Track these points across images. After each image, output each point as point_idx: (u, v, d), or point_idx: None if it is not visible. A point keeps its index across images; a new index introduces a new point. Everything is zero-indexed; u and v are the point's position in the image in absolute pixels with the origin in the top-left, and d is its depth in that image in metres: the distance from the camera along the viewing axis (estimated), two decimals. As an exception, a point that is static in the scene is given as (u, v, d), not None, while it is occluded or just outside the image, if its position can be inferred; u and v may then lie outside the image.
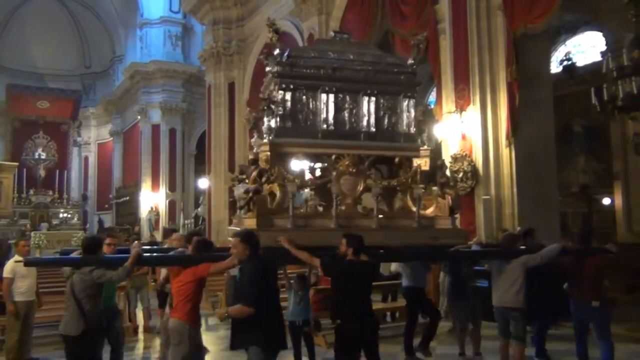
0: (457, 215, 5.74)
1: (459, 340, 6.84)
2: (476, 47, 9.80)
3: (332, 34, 6.40)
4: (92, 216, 31.51)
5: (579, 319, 5.80)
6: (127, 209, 27.59)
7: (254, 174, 5.01)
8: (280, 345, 4.15)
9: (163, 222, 24.28)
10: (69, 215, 28.07)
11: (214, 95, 18.89)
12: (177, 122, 25.43)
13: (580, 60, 15.20)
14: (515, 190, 9.36)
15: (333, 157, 5.20)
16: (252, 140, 5.72)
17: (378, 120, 5.44)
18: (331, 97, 5.40)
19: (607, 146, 13.99)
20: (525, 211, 9.27)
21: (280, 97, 5.28)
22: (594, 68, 12.55)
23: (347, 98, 5.45)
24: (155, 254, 6.38)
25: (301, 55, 5.54)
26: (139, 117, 25.98)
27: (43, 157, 30.10)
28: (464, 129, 9.88)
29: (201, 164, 22.93)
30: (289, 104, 5.30)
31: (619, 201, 13.21)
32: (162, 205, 24.82)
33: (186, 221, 23.16)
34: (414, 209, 5.14)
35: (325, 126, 5.34)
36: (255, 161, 5.19)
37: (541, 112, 9.89)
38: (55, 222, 26.98)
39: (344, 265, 4.42)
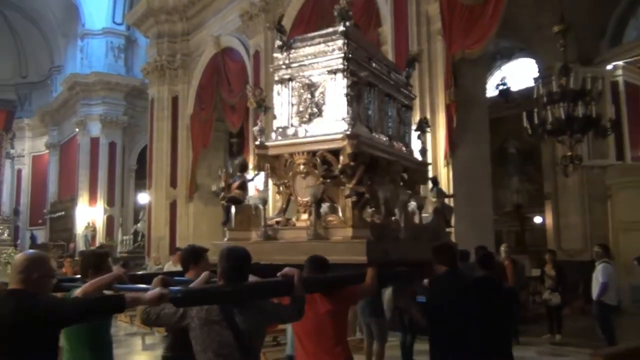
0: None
1: (367, 356, 6.76)
2: (417, 70, 10.10)
3: None
4: (24, 232, 30.14)
5: None
6: (62, 225, 26.58)
7: (360, 173, 4.10)
8: None
9: (100, 238, 23.52)
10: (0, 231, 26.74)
11: (156, 109, 18.59)
12: (117, 136, 24.81)
13: (515, 85, 15.94)
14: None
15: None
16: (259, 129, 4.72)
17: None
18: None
19: (538, 168, 14.69)
20: (461, 229, 9.55)
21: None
22: (527, 93, 13.19)
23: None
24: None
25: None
26: (77, 129, 25.18)
27: (-28, 169, 28.63)
28: (405, 149, 10.14)
29: (142, 179, 22.42)
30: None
31: (549, 220, 13.85)
32: (100, 221, 24.06)
33: (125, 237, 22.54)
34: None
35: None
36: (355, 156, 4.09)
37: (478, 133, 10.30)
38: (-17, 237, 25.64)
39: None
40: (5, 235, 26.84)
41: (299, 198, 4.45)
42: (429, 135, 9.95)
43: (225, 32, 16.26)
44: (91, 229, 23.83)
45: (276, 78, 4.70)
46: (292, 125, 4.57)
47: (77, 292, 3.11)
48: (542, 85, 9.01)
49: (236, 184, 4.82)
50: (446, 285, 4.05)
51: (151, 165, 18.66)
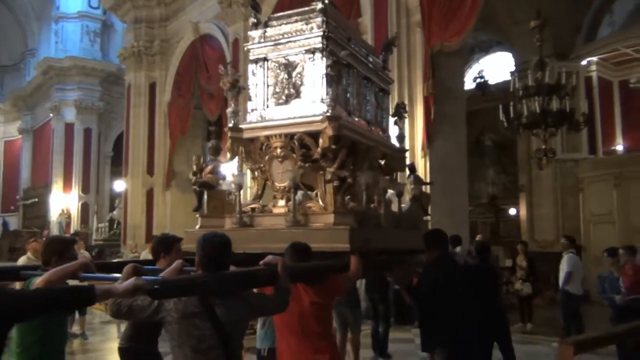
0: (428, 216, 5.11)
1: (341, 346, 6.54)
2: (396, 61, 10.16)
3: None
4: (-4, 218, 29.60)
5: None
6: (36, 211, 26.13)
7: (341, 156, 3.94)
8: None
9: (75, 225, 23.22)
10: (-30, 217, 26.24)
11: (133, 95, 18.36)
12: (92, 122, 24.43)
13: (492, 79, 16.13)
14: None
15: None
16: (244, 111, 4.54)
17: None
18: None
19: (514, 160, 14.93)
20: (437, 220, 9.69)
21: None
22: (504, 86, 13.38)
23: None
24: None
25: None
26: (51, 114, 24.73)
27: (-59, 153, 27.98)
28: (383, 140, 10.21)
29: (118, 166, 22.15)
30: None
31: (523, 212, 14.12)
32: (74, 208, 23.74)
33: (100, 225, 22.29)
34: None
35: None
36: (337, 139, 3.92)
37: (455, 126, 10.40)
38: (-48, 223, 25.15)
39: None
40: (-24, 221, 26.38)
41: (276, 183, 4.25)
42: (406, 126, 10.11)
43: (204, 19, 16.10)
44: (66, 216, 23.52)
45: (251, 57, 4.49)
46: (267, 107, 4.37)
47: (38, 281, 2.82)
48: (518, 79, 9.15)
49: (209, 168, 4.53)
50: (440, 270, 4.23)
51: (127, 153, 18.46)
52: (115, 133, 24.47)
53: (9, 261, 16.88)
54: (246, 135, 4.36)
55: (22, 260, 7.65)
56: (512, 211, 15.86)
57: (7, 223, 28.33)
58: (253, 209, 4.31)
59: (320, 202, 4.06)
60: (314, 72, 4.19)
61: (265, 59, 4.40)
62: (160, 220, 17.23)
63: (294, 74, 4.32)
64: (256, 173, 4.51)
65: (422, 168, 9.90)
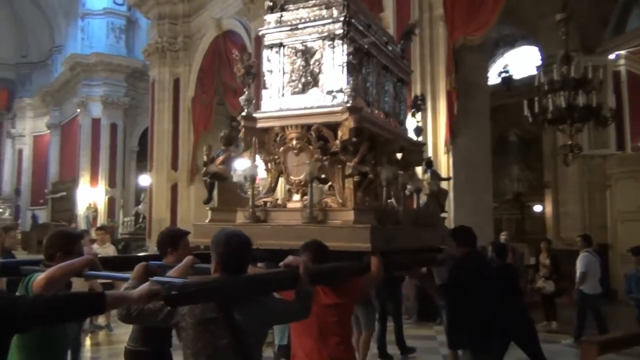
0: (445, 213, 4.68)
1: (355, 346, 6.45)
2: (418, 56, 10.09)
3: None
4: (25, 211, 30.23)
5: None
6: (64, 205, 26.65)
7: (363, 150, 3.66)
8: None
9: (101, 219, 23.61)
10: (1, 210, 26.86)
11: (157, 90, 18.55)
12: (118, 117, 24.79)
13: (517, 73, 15.88)
14: (452, 195, 9.67)
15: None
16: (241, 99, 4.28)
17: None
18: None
19: (539, 156, 14.69)
20: (461, 217, 9.60)
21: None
22: (529, 81, 13.15)
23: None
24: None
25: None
26: (78, 110, 25.15)
27: (-27, 148, 28.69)
28: (405, 135, 10.14)
29: (143, 161, 22.45)
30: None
31: (549, 209, 13.89)
32: (101, 202, 24.13)
33: (126, 219, 22.62)
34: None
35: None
36: (358, 131, 3.65)
37: (478, 121, 10.28)
38: (-16, 216, 25.79)
39: None
40: (7, 214, 27.00)
41: (291, 177, 4.00)
42: (429, 121, 10.03)
43: (226, 15, 16.17)
44: (92, 210, 23.91)
45: (266, 43, 4.23)
46: (283, 96, 4.11)
47: (40, 277, 2.62)
48: (543, 73, 8.98)
49: (220, 158, 4.26)
50: (472, 267, 4.18)
51: (152, 148, 18.68)
52: (141, 128, 24.79)
53: (37, 253, 17.24)
54: (260, 124, 4.12)
55: None
56: (538, 208, 15.62)
57: (37, 216, 28.96)
58: (266, 203, 4.07)
59: (338, 198, 3.84)
60: (333, 60, 3.96)
61: (281, 45, 4.17)
62: (184, 214, 17.41)
63: (311, 61, 4.08)
64: (269, 165, 4.26)
65: (445, 164, 9.82)
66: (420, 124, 5.27)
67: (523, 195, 16.37)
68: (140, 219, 21.60)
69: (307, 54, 4.09)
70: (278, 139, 4.06)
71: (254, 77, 4.30)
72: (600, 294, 8.31)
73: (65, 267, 2.67)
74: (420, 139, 5.08)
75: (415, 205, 4.56)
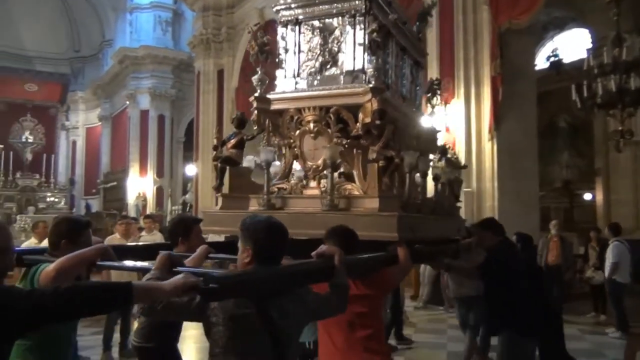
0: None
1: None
2: (462, 41, 9.89)
3: None
4: (79, 201, 31.37)
5: None
6: (115, 194, 27.49)
7: (388, 133, 3.37)
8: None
9: (150, 208, 24.25)
10: (56, 200, 27.90)
11: (202, 82, 18.85)
12: (165, 109, 25.34)
13: (568, 57, 15.34)
14: (496, 183, 9.50)
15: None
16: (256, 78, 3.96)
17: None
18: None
19: (590, 142, 14.20)
20: (505, 204, 9.41)
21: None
22: (580, 65, 12.68)
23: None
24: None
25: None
26: (127, 102, 25.84)
27: (30, 140, 29.82)
28: (448, 122, 9.98)
29: (189, 151, 22.89)
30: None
31: (600, 197, 13.43)
32: (150, 192, 24.78)
33: (173, 207, 23.17)
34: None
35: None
36: (382, 113, 3.39)
37: (524, 107, 10.01)
38: (41, 205, 26.82)
39: None
40: (62, 203, 28.05)
41: (308, 162, 3.75)
42: (472, 108, 9.82)
43: (269, 5, 16.21)
44: (142, 199, 24.59)
45: (281, 19, 3.98)
46: (298, 76, 3.84)
47: (49, 268, 2.38)
48: (593, 56, 8.64)
49: (232, 142, 3.94)
50: (509, 254, 4.17)
51: (198, 138, 19.02)
52: (187, 119, 25.25)
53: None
54: (274, 106, 3.87)
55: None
56: (588, 196, 15.13)
57: (90, 205, 30.00)
58: (279, 190, 3.81)
59: (358, 185, 3.60)
60: (354, 38, 3.69)
61: (297, 22, 3.91)
62: (229, 203, 17.66)
63: (330, 39, 3.80)
64: (284, 150, 4.00)
65: (489, 151, 9.62)
66: (434, 109, 4.94)
67: (572, 182, 15.87)
68: (188, 208, 22.07)
69: (325, 31, 3.83)
70: (294, 121, 3.82)
71: (268, 55, 4.00)
72: (629, 284, 8.15)
73: (76, 257, 2.42)
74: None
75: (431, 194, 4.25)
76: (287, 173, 4.00)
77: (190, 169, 21.38)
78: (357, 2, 3.70)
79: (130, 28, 26.08)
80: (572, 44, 16.44)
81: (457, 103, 9.91)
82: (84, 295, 1.74)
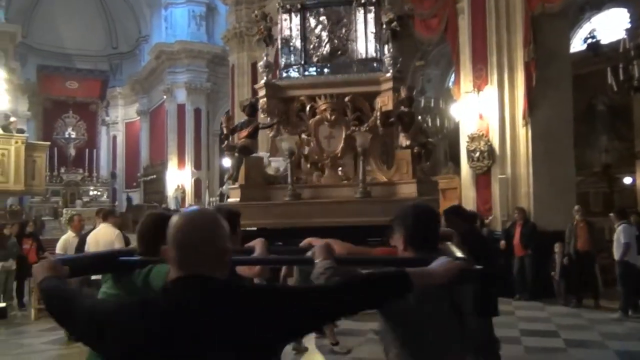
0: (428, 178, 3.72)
1: None
2: (494, 27, 9.83)
3: None
4: (121, 194, 32.26)
5: None
6: (155, 187, 28.19)
7: (417, 121, 3.37)
8: None
9: (189, 199, 24.80)
10: (99, 193, 28.82)
11: (237, 75, 19.11)
12: (201, 102, 25.81)
13: (606, 38, 14.96)
14: (531, 169, 9.45)
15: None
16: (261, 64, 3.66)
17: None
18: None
19: (630, 125, 13.87)
20: (540, 190, 9.37)
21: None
22: (617, 46, 12.42)
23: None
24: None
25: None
26: (164, 96, 26.41)
27: (73, 136, 30.82)
28: (481, 109, 9.96)
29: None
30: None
31: (640, 181, 13.14)
32: (188, 184, 25.33)
33: (211, 199, 23.62)
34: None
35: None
36: (411, 100, 3.41)
37: (559, 91, 9.90)
38: (85, 199, 27.75)
39: None
40: (105, 197, 28.95)
41: (325, 150, 3.62)
42: (506, 94, 9.76)
43: (301, -4, 16.34)
44: (180, 191, 25.16)
45: (287, 6, 3.77)
46: (306, 63, 3.55)
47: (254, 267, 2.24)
48: (629, 38, 8.49)
49: (246, 131, 3.51)
50: (480, 236, 4.37)
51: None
52: (223, 112, 25.62)
53: (133, 232, 18.42)
54: (284, 93, 3.62)
55: None
56: (628, 180, 14.78)
57: (131, 198, 30.84)
58: (298, 179, 3.63)
59: (380, 171, 3.65)
60: (365, 27, 3.66)
61: (304, 8, 3.69)
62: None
63: (338, 26, 3.58)
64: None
65: (524, 137, 9.56)
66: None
67: (612, 166, 15.52)
68: (225, 199, 22.45)
69: (331, 18, 3.60)
70: (307, 109, 3.57)
71: (274, 41, 3.87)
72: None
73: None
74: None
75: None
76: (297, 163, 3.80)
77: (227, 161, 21.75)
78: None
79: (165, 24, 26.60)
80: (610, 24, 16.01)
81: (490, 89, 9.87)
82: (371, 287, 1.65)
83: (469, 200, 10.07)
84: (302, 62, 3.89)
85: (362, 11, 3.72)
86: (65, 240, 7.02)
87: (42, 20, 30.98)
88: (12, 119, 15.60)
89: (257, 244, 2.39)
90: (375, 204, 3.36)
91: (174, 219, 1.53)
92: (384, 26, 3.60)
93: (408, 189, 3.46)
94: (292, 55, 3.92)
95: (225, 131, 3.80)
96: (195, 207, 1.72)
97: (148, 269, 2.27)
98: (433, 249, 2.12)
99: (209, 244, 1.49)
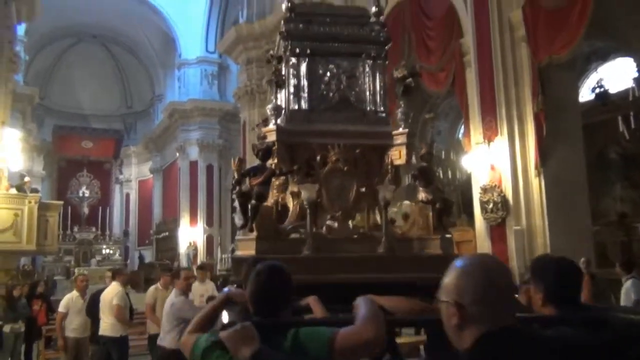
0: (450, 234, 3.75)
1: None
2: (502, 80, 9.90)
3: None
4: (133, 252, 32.21)
5: None
6: (167, 244, 28.12)
7: (434, 176, 3.53)
8: None
9: (201, 256, 24.65)
10: (112, 251, 28.78)
11: (248, 131, 19.34)
12: (213, 158, 26.04)
13: (613, 87, 15.03)
14: (546, 220, 9.29)
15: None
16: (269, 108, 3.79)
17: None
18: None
19: (644, 173, 13.72)
20: (557, 241, 9.17)
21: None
22: (626, 94, 12.43)
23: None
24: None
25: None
26: (177, 154, 26.73)
27: (87, 195, 31.11)
28: (493, 160, 9.91)
29: (237, 199, 23.28)
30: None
31: (659, 229, 12.87)
32: (200, 240, 25.24)
33: (223, 255, 23.45)
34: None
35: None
36: (430, 156, 3.47)
37: (570, 141, 9.85)
38: (98, 258, 27.70)
39: None
40: (117, 255, 28.89)
41: (335, 201, 3.56)
42: (517, 146, 9.73)
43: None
44: (193, 248, 25.04)
45: (297, 51, 3.84)
46: (313, 110, 3.69)
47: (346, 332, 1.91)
48: (637, 86, 8.50)
49: (260, 177, 3.52)
50: None
51: (245, 186, 19.34)
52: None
53: (144, 292, 18.25)
54: (293, 139, 3.68)
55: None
56: (646, 229, 14.49)
57: (143, 256, 30.74)
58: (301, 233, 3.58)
59: (402, 225, 3.63)
60: (374, 80, 3.71)
61: (309, 54, 3.78)
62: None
63: (346, 76, 3.74)
64: (295, 188, 3.72)
65: (537, 187, 9.46)
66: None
67: (628, 215, 15.26)
68: (230, 252, 22.26)
69: (339, 68, 3.74)
70: (318, 157, 3.66)
71: (282, 85, 3.79)
72: None
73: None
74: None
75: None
76: (303, 214, 3.70)
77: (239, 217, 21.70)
78: (375, 46, 3.68)
79: (178, 83, 27.24)
80: (617, 74, 16.12)
81: (501, 140, 9.85)
82: None
83: (484, 252, 9.88)
84: (309, 109, 3.80)
85: (371, 63, 3.70)
86: (69, 299, 7.00)
87: (59, 82, 31.91)
88: (27, 178, 15.78)
89: (313, 303, 2.28)
90: (400, 260, 3.22)
91: (464, 271, 1.42)
92: (397, 82, 3.58)
93: (429, 245, 3.36)
94: (301, 101, 3.83)
95: (236, 175, 3.66)
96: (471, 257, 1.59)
97: (294, 332, 1.95)
98: (576, 306, 2.02)
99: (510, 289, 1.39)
